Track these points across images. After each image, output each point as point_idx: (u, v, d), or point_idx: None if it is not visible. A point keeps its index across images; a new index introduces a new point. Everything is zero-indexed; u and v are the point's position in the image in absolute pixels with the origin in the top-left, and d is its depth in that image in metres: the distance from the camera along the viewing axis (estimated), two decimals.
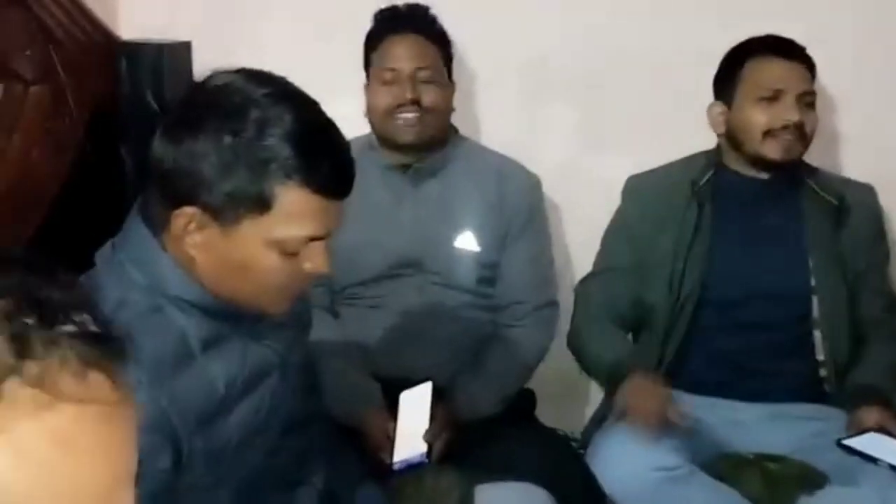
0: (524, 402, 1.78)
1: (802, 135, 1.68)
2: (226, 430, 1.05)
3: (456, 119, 1.84)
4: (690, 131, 1.82)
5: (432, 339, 1.69)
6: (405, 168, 1.74)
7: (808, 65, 1.71)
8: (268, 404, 1.10)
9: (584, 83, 2.03)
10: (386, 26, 1.74)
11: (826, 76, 1.80)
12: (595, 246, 1.85)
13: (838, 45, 1.88)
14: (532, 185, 1.81)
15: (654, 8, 1.98)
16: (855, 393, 1.65)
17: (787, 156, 1.67)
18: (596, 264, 1.85)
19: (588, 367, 1.77)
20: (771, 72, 1.69)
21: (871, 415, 1.57)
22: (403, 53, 1.70)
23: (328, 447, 1.31)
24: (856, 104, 1.94)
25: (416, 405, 1.53)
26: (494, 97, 2.06)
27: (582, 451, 1.69)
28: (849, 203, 1.73)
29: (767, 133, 1.67)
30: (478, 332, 1.73)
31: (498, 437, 1.58)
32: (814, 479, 1.53)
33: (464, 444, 1.56)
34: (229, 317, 1.05)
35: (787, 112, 1.65)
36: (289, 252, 1.00)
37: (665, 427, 1.50)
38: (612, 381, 1.63)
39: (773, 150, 1.67)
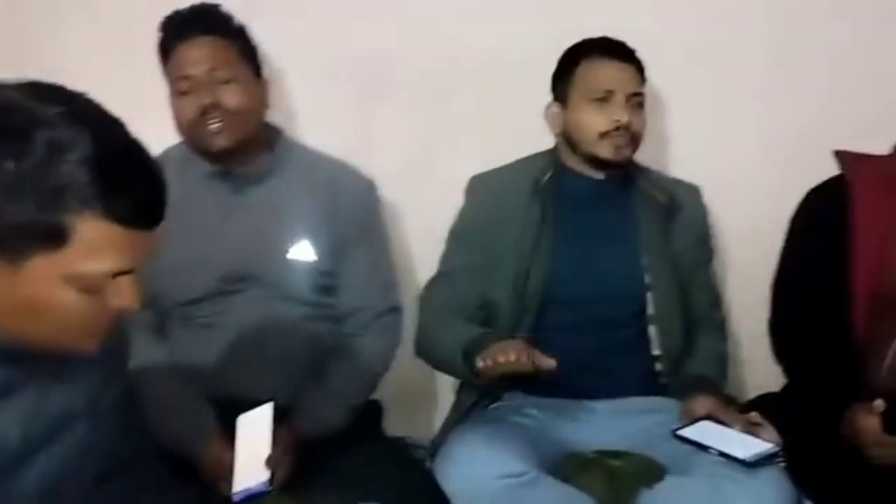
0: (370, 413, 1.74)
1: (632, 135, 1.72)
2: (26, 483, 0.95)
3: (287, 122, 1.76)
4: (531, 131, 1.83)
5: (271, 356, 1.62)
6: (226, 175, 1.66)
7: (638, 66, 1.75)
8: (76, 451, 1.01)
9: (423, 83, 2.00)
10: (173, 34, 1.64)
11: (656, 77, 1.85)
12: (437, 248, 1.83)
13: (669, 47, 1.93)
14: (367, 188, 1.76)
15: (491, 8, 1.97)
16: (687, 383, 1.70)
17: (619, 156, 1.71)
18: (441, 266, 1.82)
19: (443, 362, 1.71)
20: (602, 73, 1.72)
21: (702, 404, 1.63)
22: (194, 58, 1.60)
23: (159, 486, 1.21)
24: (682, 105, 2.01)
25: (255, 429, 1.45)
26: (329, 98, 2.00)
27: (431, 461, 1.66)
28: (678, 202, 1.79)
29: (603, 134, 1.70)
30: (319, 344, 1.67)
31: (344, 455, 1.54)
32: (653, 472, 1.57)
33: (308, 464, 1.50)
34: (23, 361, 0.94)
35: (617, 112, 1.69)
36: (90, 289, 0.91)
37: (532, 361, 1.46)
38: (470, 355, 1.55)
39: (605, 150, 1.70)
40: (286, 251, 1.64)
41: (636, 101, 1.73)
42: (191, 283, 1.61)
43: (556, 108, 1.77)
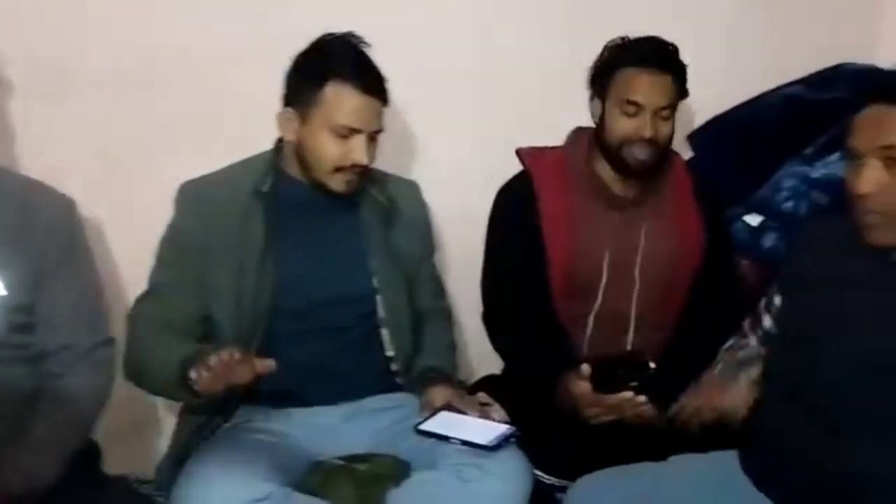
0: (87, 455, 1.56)
1: (366, 169, 1.65)
2: None
3: None
4: (239, 133, 1.74)
5: None
6: None
7: (384, 98, 1.64)
8: None
9: (111, 85, 1.84)
10: None
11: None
12: (146, 263, 1.68)
13: (390, 52, 1.90)
14: (65, 210, 1.56)
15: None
16: (421, 376, 1.73)
17: (350, 189, 1.66)
18: (151, 280, 1.67)
19: (157, 383, 1.59)
20: (348, 107, 1.59)
21: (438, 394, 1.67)
22: None
23: None
24: (402, 109, 2.02)
25: None
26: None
27: (158, 494, 1.53)
28: (399, 202, 1.79)
29: (338, 168, 1.62)
30: (17, 391, 1.46)
31: None
32: (400, 471, 1.58)
33: None
34: None
35: (356, 152, 1.60)
36: None
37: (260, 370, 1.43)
38: (185, 377, 1.46)
39: (337, 185, 1.64)
40: None
41: (376, 136, 1.65)
42: None
43: (289, 115, 1.65)
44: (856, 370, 1.33)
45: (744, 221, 2.02)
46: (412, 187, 1.87)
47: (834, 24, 2.25)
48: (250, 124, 1.73)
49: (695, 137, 2.18)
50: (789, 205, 1.95)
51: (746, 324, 1.65)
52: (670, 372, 1.74)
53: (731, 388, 1.54)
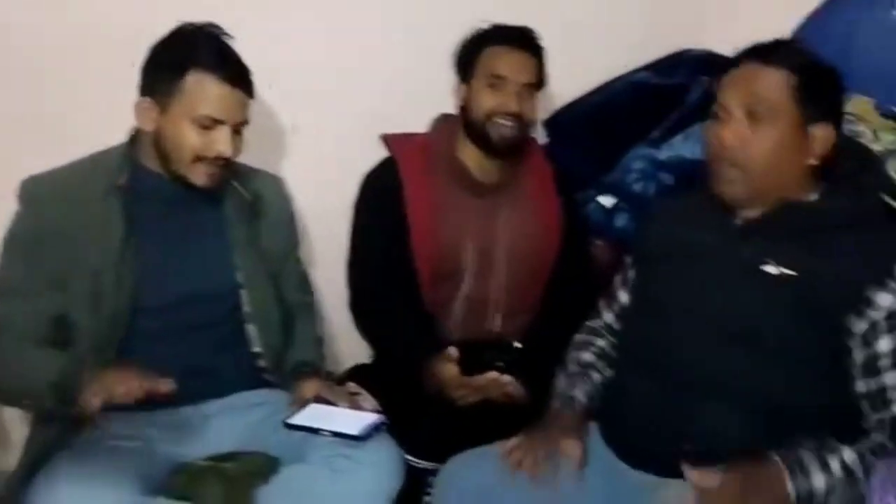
0: None
1: (228, 164, 1.61)
2: None
3: None
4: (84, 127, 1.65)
5: None
6: None
7: (250, 93, 1.60)
8: None
9: None
10: None
11: None
12: None
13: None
14: None
15: None
16: (291, 371, 1.71)
17: (211, 183, 1.60)
18: None
19: (18, 397, 1.52)
20: (213, 96, 1.54)
21: (308, 387, 1.65)
22: None
23: None
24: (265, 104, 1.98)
25: None
26: None
27: None
28: (263, 196, 1.76)
29: (197, 158, 1.56)
30: None
31: None
32: (268, 467, 1.55)
33: None
34: None
35: (220, 144, 1.56)
36: None
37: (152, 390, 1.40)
38: (65, 389, 1.41)
39: (198, 177, 1.59)
40: None
41: (240, 128, 1.61)
42: None
43: (146, 104, 1.57)
44: (705, 336, 1.40)
45: (598, 203, 2.10)
46: (276, 182, 1.84)
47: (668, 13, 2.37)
48: (94, 120, 1.65)
49: (550, 124, 2.24)
50: (639, 186, 2.04)
51: (602, 301, 1.72)
52: (534, 352, 1.81)
53: (567, 434, 1.51)
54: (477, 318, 1.89)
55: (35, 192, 1.58)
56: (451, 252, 1.86)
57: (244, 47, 1.62)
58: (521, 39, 1.85)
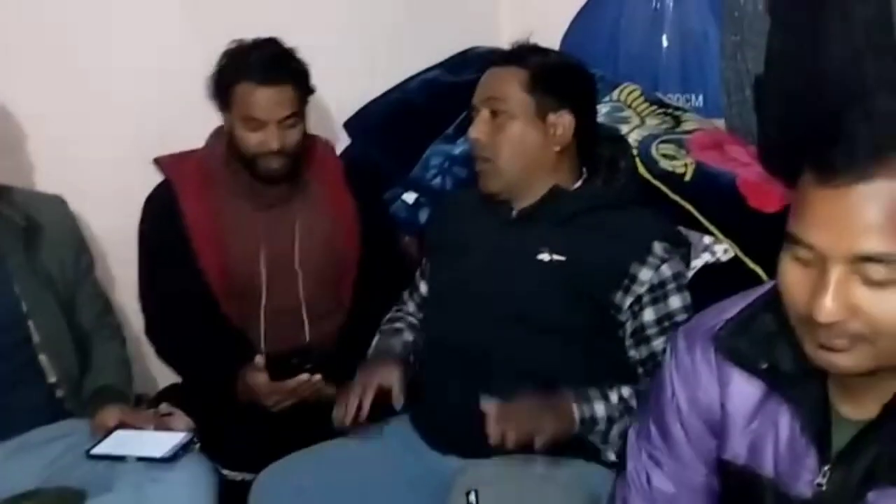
0: None
1: None
2: None
3: None
4: None
5: None
6: None
7: None
8: None
9: None
10: None
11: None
12: None
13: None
14: None
15: None
16: (91, 398, 1.67)
17: None
18: None
19: None
20: None
21: (109, 414, 1.62)
22: None
23: None
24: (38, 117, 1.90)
25: None
26: None
27: None
28: (41, 219, 1.69)
29: None
30: None
31: None
32: (72, 501, 1.50)
33: None
34: None
35: None
36: None
37: None
38: None
39: None
40: None
41: None
42: None
43: None
44: (484, 322, 1.49)
45: (402, 200, 2.15)
46: (56, 202, 1.78)
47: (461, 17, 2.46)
48: None
49: (350, 125, 2.28)
50: (437, 181, 2.10)
51: (406, 293, 1.78)
52: (348, 351, 1.83)
53: (382, 364, 1.60)
54: (285, 328, 1.88)
55: None
56: (243, 266, 1.84)
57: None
58: (273, 72, 1.75)
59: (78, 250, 1.79)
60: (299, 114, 1.81)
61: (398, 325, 1.71)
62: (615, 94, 2.04)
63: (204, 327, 1.82)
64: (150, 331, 1.91)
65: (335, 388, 1.78)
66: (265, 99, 1.74)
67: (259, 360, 1.72)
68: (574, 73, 1.55)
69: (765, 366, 0.97)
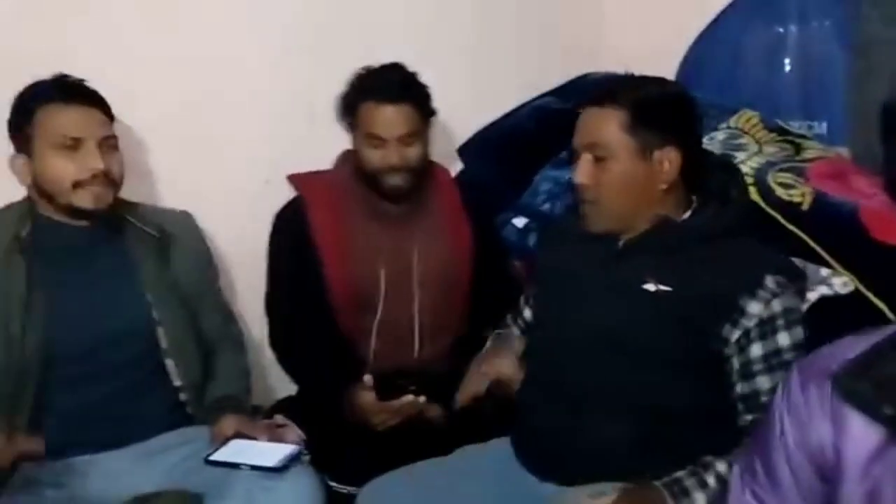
0: None
1: (111, 180, 1.68)
2: None
3: None
4: None
5: None
6: None
7: (103, 107, 1.70)
8: None
9: None
10: None
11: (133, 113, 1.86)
12: None
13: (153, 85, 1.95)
14: None
15: None
16: (212, 406, 1.75)
17: (99, 204, 1.67)
18: None
19: None
20: (64, 119, 1.64)
21: (228, 424, 1.69)
22: None
23: None
24: (171, 138, 2.03)
25: None
26: None
27: None
28: (170, 233, 1.80)
29: (77, 184, 1.63)
30: None
31: None
32: (191, 503, 1.59)
33: None
34: None
35: (91, 160, 1.64)
36: None
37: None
38: None
39: (83, 200, 1.65)
40: None
41: (109, 143, 1.69)
42: None
43: (21, 160, 1.66)
44: (588, 351, 1.49)
45: (512, 224, 2.18)
46: (185, 217, 1.89)
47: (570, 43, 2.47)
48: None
49: (463, 151, 2.33)
50: (546, 206, 2.12)
51: (509, 317, 1.80)
52: (456, 373, 1.86)
53: (502, 353, 1.66)
54: (397, 344, 1.95)
55: None
56: (364, 281, 1.92)
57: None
58: (395, 91, 1.86)
59: (204, 262, 1.90)
60: (419, 133, 1.90)
61: (510, 331, 1.75)
62: (733, 120, 2.01)
63: (320, 340, 1.89)
64: (274, 339, 2.00)
65: (440, 408, 1.82)
66: (386, 117, 1.85)
67: (367, 379, 1.78)
68: (676, 105, 1.51)
69: (889, 412, 0.93)
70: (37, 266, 1.63)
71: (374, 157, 1.88)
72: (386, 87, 1.86)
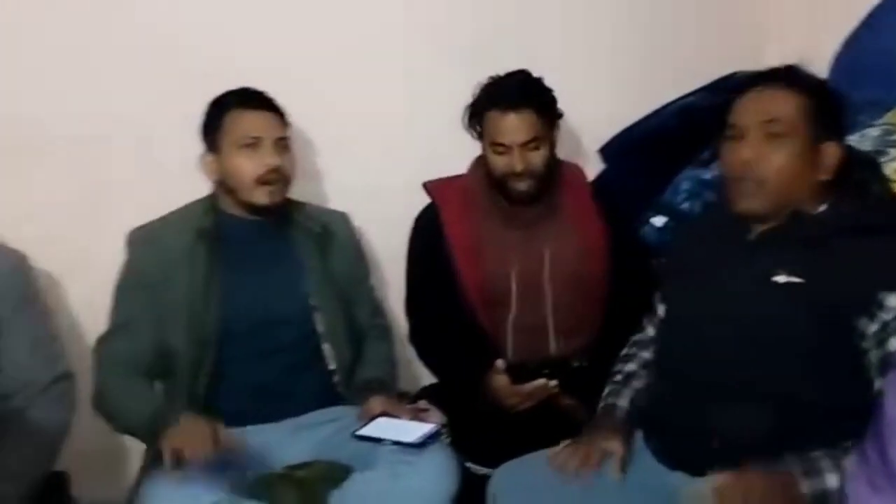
0: (54, 485, 1.71)
1: (284, 177, 1.87)
2: None
3: None
4: (179, 188, 1.92)
5: None
6: None
7: (279, 113, 1.90)
8: None
9: (71, 149, 2.01)
10: None
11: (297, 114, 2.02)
12: (101, 306, 1.84)
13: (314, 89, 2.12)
14: (17, 263, 1.74)
15: (134, 79, 2.04)
16: (361, 387, 1.89)
17: (273, 200, 1.86)
18: (112, 321, 1.84)
19: (124, 425, 1.77)
20: (247, 122, 1.85)
21: (375, 403, 1.83)
22: None
23: None
24: (325, 135, 2.20)
25: None
26: None
27: None
28: (331, 230, 1.98)
29: (258, 179, 1.83)
30: None
31: None
32: (340, 473, 1.73)
33: None
34: None
35: (267, 157, 1.83)
36: None
37: (218, 452, 1.58)
38: (154, 432, 1.65)
39: (261, 197, 1.84)
40: None
41: (282, 144, 1.88)
42: None
43: (209, 157, 1.88)
44: (725, 343, 1.50)
45: (651, 223, 2.19)
46: (343, 217, 2.06)
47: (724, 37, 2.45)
48: (179, 180, 1.93)
49: (605, 150, 2.36)
50: (686, 205, 2.12)
51: (646, 317, 1.82)
52: (595, 370, 1.90)
53: (608, 432, 1.64)
54: (532, 341, 2.00)
55: (137, 239, 1.86)
56: (496, 282, 2.00)
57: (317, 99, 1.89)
58: (516, 98, 1.92)
59: (358, 257, 2.06)
60: (543, 138, 1.96)
61: (630, 366, 1.75)
62: (888, 116, 1.94)
63: (459, 335, 1.99)
64: (414, 336, 2.12)
65: (574, 400, 1.87)
66: (508, 124, 1.92)
67: (500, 363, 1.86)
68: (842, 102, 1.52)
69: None
70: (216, 255, 1.84)
71: (500, 164, 1.96)
72: (507, 95, 1.94)
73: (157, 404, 1.72)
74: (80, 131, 2.01)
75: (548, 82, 1.99)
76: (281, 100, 1.92)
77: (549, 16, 2.33)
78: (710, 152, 2.18)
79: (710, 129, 2.19)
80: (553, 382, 1.84)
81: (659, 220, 2.17)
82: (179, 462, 1.56)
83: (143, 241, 1.85)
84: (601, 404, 1.72)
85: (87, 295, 1.97)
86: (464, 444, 1.82)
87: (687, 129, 2.26)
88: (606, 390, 1.74)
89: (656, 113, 2.35)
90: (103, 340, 1.83)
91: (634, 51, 2.40)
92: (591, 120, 2.29)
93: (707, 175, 2.12)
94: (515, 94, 1.93)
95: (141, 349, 1.79)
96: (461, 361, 1.97)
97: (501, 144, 1.94)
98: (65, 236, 2.01)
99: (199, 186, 1.91)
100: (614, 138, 2.35)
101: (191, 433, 1.60)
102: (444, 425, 1.86)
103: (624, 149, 2.33)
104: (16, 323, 1.67)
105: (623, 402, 1.69)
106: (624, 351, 1.80)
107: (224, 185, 1.88)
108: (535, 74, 1.99)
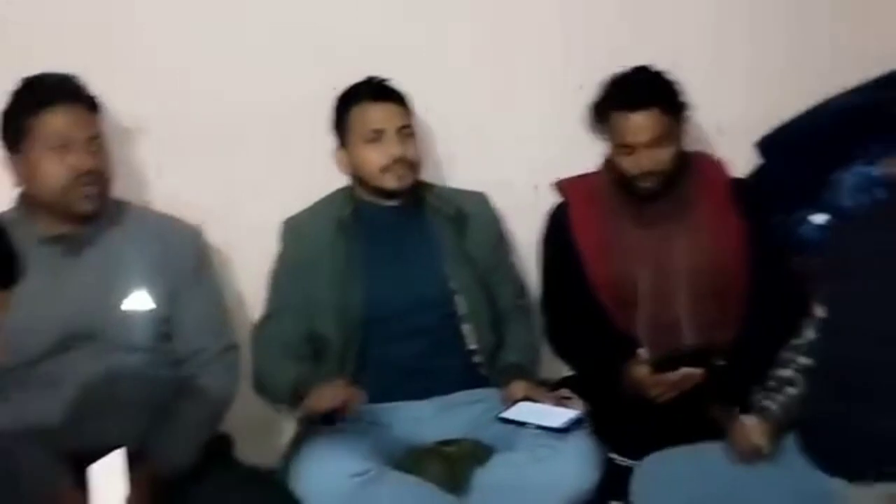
0: (221, 446, 1.84)
1: (410, 163, 1.93)
2: None
3: None
4: (323, 170, 2.01)
5: (117, 405, 1.68)
6: (59, 238, 1.72)
7: (400, 101, 1.95)
8: None
9: (224, 135, 2.12)
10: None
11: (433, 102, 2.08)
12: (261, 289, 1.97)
13: (445, 74, 2.16)
14: (194, 236, 1.87)
15: (266, 63, 2.12)
16: (503, 371, 1.92)
17: (402, 184, 1.92)
18: (266, 308, 1.97)
19: (279, 398, 1.88)
20: (369, 115, 1.92)
21: (518, 388, 1.85)
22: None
23: None
24: (460, 124, 2.22)
25: (108, 477, 1.50)
26: (139, 154, 2.08)
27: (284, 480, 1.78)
28: (466, 211, 2.01)
29: (383, 168, 1.90)
30: (162, 388, 1.74)
31: (199, 487, 1.64)
32: (483, 453, 1.78)
33: (166, 502, 1.58)
34: None
35: (391, 148, 1.89)
36: None
37: (349, 407, 1.69)
38: (297, 395, 1.76)
39: (390, 182, 1.91)
40: (121, 303, 1.72)
41: (406, 132, 1.94)
42: (23, 346, 1.63)
43: (340, 152, 1.97)
44: (882, 343, 1.45)
45: (810, 221, 2.11)
46: (480, 198, 2.07)
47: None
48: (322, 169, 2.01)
49: (763, 144, 2.29)
50: (850, 202, 2.03)
51: (805, 319, 1.75)
52: (738, 368, 1.87)
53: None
54: (666, 337, 1.96)
55: (289, 229, 1.98)
56: (625, 280, 1.98)
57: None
58: (638, 97, 1.90)
59: (497, 238, 2.07)
60: (669, 133, 1.92)
61: (785, 373, 1.70)
62: None
63: (595, 331, 1.99)
64: (549, 332, 2.11)
65: (723, 409, 1.82)
66: (633, 124, 1.91)
67: (641, 352, 1.86)
68: None
69: None
70: (357, 243, 1.93)
71: (626, 163, 1.94)
72: (631, 95, 1.91)
73: (300, 371, 1.82)
74: (221, 120, 2.10)
75: (695, 76, 1.96)
76: (415, 88, 1.96)
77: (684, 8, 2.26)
78: (883, 146, 2.07)
79: (869, 127, 2.11)
80: (698, 371, 1.82)
81: (820, 218, 2.09)
82: (328, 418, 1.67)
83: (292, 231, 1.97)
84: (754, 409, 1.68)
85: (249, 270, 2.09)
86: (606, 435, 1.82)
87: (844, 128, 2.16)
88: (759, 395, 1.70)
89: (813, 111, 2.26)
90: (259, 326, 1.96)
91: (800, 48, 2.32)
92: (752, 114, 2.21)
93: (876, 172, 2.02)
94: (639, 94, 1.91)
95: (294, 334, 1.90)
96: (599, 355, 1.97)
97: (628, 145, 1.93)
98: (227, 219, 2.11)
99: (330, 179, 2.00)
100: (771, 134, 2.27)
101: (326, 390, 1.71)
102: (586, 413, 1.86)
103: (781, 144, 2.25)
104: (192, 294, 1.80)
105: (773, 405, 1.65)
106: (782, 354, 1.74)
107: (356, 177, 1.96)
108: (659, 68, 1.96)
